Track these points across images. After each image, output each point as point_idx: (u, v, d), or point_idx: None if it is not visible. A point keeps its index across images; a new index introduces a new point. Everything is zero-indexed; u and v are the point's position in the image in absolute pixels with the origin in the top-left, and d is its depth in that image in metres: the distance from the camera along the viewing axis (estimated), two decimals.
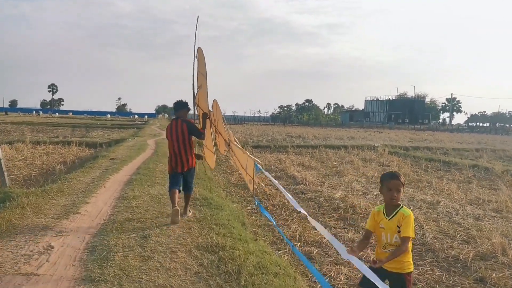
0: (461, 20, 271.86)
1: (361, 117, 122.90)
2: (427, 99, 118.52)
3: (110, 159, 11.71)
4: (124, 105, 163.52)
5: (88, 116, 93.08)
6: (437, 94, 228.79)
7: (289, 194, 6.05)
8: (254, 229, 6.45)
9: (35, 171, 11.87)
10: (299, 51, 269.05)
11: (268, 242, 5.82)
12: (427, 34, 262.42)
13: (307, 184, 11.01)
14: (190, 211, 6.39)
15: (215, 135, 7.37)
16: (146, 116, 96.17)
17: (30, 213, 5.75)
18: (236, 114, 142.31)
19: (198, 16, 6.79)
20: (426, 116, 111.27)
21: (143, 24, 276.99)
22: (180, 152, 6.22)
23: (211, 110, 7.01)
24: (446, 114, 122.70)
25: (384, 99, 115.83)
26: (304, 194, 9.88)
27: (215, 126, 7.14)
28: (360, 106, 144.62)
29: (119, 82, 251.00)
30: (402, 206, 3.52)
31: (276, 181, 7.24)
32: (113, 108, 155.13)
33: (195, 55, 6.70)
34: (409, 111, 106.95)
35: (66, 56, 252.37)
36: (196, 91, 6.71)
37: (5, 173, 7.76)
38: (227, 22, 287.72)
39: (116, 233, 5.01)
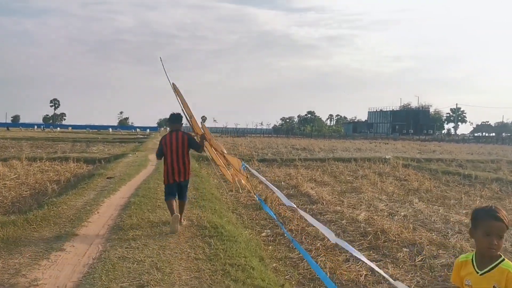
0: (464, 29, 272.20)
1: (364, 128, 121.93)
2: (431, 110, 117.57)
3: (107, 178, 10.67)
4: (126, 119, 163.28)
5: (91, 130, 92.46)
6: (441, 104, 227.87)
7: (275, 188, 5.87)
8: (274, 264, 5.40)
9: (26, 191, 10.84)
10: (299, 63, 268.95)
11: (294, 283, 4.76)
12: (427, 45, 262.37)
13: (324, 203, 9.95)
14: (184, 220, 6.56)
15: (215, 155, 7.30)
16: (148, 130, 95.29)
17: (2, 251, 4.72)
18: (238, 126, 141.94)
19: (160, 57, 7.19)
20: (431, 126, 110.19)
21: (144, 38, 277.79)
22: (179, 163, 6.38)
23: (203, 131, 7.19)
24: (451, 124, 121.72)
25: (387, 110, 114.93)
26: (323, 215, 8.82)
27: (213, 147, 7.09)
28: (363, 117, 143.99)
29: (121, 96, 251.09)
30: (504, 259, 2.47)
31: (264, 178, 6.94)
32: (115, 122, 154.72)
33: (174, 92, 6.97)
34: (414, 122, 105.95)
35: (68, 71, 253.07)
36: (189, 120, 6.98)
37: None
38: (227, 36, 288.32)
39: (106, 280, 3.96)
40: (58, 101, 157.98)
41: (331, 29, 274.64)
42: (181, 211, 6.47)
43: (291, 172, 16.73)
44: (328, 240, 6.74)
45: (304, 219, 8.01)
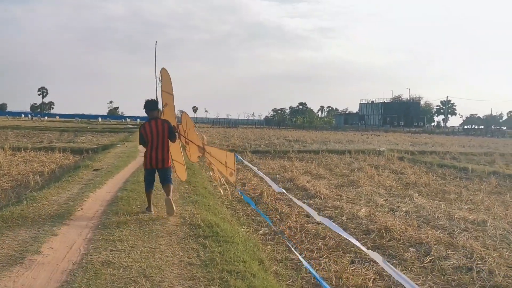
0: (454, 23, 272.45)
1: (356, 120, 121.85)
2: (422, 102, 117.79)
3: (93, 170, 10.07)
4: (116, 108, 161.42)
5: (80, 119, 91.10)
6: (431, 97, 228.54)
7: (265, 176, 6.18)
8: (275, 267, 4.94)
9: (7, 183, 10.26)
10: (292, 54, 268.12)
11: None
12: (419, 37, 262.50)
13: (322, 198, 9.52)
14: (174, 206, 6.33)
15: (184, 146, 7.54)
16: (138, 120, 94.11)
17: None
18: (230, 117, 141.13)
19: (156, 41, 7.46)
20: (421, 119, 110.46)
21: (135, 27, 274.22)
22: (158, 149, 6.40)
23: (180, 122, 7.49)
24: (441, 117, 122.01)
25: (379, 102, 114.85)
26: (322, 211, 8.38)
27: (184, 137, 7.35)
28: (354, 109, 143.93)
29: (111, 86, 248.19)
30: None
31: (255, 168, 7.26)
32: (105, 112, 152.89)
33: (158, 77, 7.16)
34: (404, 114, 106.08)
35: (58, 60, 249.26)
36: (161, 109, 7.12)
37: None
38: (219, 26, 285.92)
39: None
40: (46, 89, 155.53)
41: (323, 21, 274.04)
42: (167, 193, 6.44)
43: (286, 165, 16.29)
44: (331, 239, 6.34)
45: (304, 214, 7.63)
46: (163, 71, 7.25)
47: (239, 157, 9.04)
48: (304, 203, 8.99)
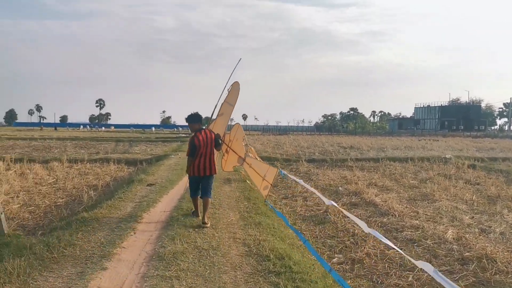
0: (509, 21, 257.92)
1: (410, 124, 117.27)
2: (483, 105, 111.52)
3: (147, 185, 9.56)
4: (169, 117, 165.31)
5: (134, 129, 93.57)
6: (491, 99, 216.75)
7: (313, 189, 6.41)
8: None
9: (61, 198, 9.97)
10: (341, 59, 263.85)
11: None
12: (473, 36, 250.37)
13: (397, 216, 8.44)
14: (208, 222, 6.40)
15: (222, 154, 8.06)
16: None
17: None
18: (279, 124, 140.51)
19: (240, 59, 8.11)
20: (482, 122, 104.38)
21: (185, 38, 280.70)
22: (206, 158, 6.66)
23: (229, 131, 8.08)
24: (503, 120, 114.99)
25: (435, 105, 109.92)
26: (400, 232, 7.33)
27: (227, 146, 7.86)
28: (408, 113, 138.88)
29: (163, 95, 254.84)
30: None
31: (301, 181, 7.36)
32: (158, 121, 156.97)
33: (228, 88, 7.74)
34: (464, 118, 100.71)
35: (113, 72, 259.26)
36: (215, 116, 7.67)
37: (2, 217, 5.75)
38: (267, 33, 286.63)
39: None
40: (103, 101, 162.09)
41: (372, 24, 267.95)
42: (205, 209, 6.55)
43: (346, 175, 15.23)
44: (423, 271, 5.31)
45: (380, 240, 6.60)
46: (236, 84, 7.82)
47: (284, 172, 9.06)
48: (376, 221, 8.01)
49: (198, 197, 6.74)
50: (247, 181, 10.68)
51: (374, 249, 6.21)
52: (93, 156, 21.47)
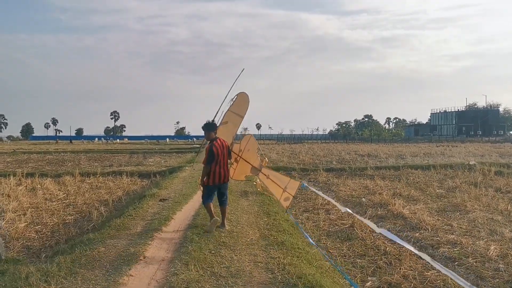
0: None
1: (427, 131, 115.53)
2: (501, 109, 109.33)
3: (160, 200, 9.02)
4: (183, 128, 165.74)
5: (149, 141, 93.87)
6: (509, 103, 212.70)
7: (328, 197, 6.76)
8: None
9: (70, 215, 9.51)
10: (353, 66, 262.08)
11: None
12: (488, 41, 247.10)
13: (429, 229, 7.76)
14: (227, 225, 6.92)
15: (231, 163, 7.82)
16: (204, 139, 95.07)
17: None
18: (294, 132, 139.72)
19: (243, 69, 8.10)
20: (500, 127, 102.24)
21: (197, 48, 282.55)
22: (222, 167, 6.88)
23: (238, 141, 8.03)
24: None
25: (452, 111, 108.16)
26: (436, 248, 6.66)
27: (236, 155, 7.87)
28: (423, 119, 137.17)
29: (178, 107, 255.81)
30: None
31: (320, 192, 8.11)
32: (172, 132, 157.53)
33: (232, 98, 7.82)
34: (482, 123, 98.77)
35: (127, 84, 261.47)
36: (218, 123, 7.57)
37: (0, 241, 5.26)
38: (279, 42, 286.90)
39: None
40: (118, 113, 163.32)
41: (385, 30, 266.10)
42: (223, 216, 6.97)
43: (368, 184, 14.54)
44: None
45: (418, 257, 5.95)
46: (243, 95, 7.93)
47: (305, 184, 8.91)
48: (408, 236, 7.34)
49: (211, 203, 6.85)
50: (265, 192, 10.15)
51: (412, 270, 5.56)
52: (106, 169, 21.13)
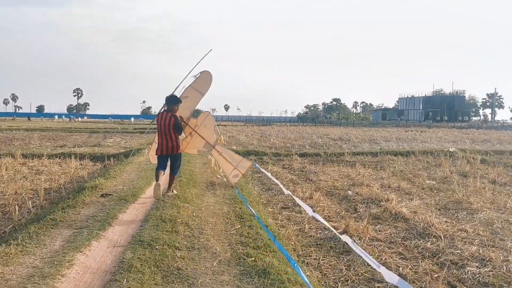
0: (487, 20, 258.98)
1: (394, 115, 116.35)
2: (466, 95, 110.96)
3: (101, 196, 7.04)
4: (149, 108, 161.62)
5: (113, 119, 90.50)
6: (473, 89, 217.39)
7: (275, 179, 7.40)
8: None
9: None
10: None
11: None
12: (456, 31, 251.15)
13: (441, 237, 6.21)
14: (173, 191, 7.46)
15: (185, 137, 8.28)
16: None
17: None
18: (262, 114, 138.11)
19: (210, 49, 8.33)
20: (466, 113, 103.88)
21: (166, 26, 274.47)
22: (164, 139, 7.37)
23: (195, 118, 8.44)
24: (487, 111, 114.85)
25: (419, 96, 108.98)
26: (461, 267, 5.08)
27: (192, 129, 8.24)
28: (390, 104, 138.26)
29: (144, 85, 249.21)
30: None
31: (269, 173, 8.39)
32: (138, 112, 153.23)
33: (196, 75, 8.15)
34: (448, 108, 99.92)
35: (93, 61, 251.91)
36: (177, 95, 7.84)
37: None
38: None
39: None
40: (81, 90, 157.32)
41: None
42: (170, 183, 7.51)
43: (349, 173, 13.03)
44: None
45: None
46: (206, 73, 8.14)
47: (257, 165, 9.90)
48: (418, 247, 5.77)
49: (162, 172, 7.28)
50: (217, 176, 9.71)
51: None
52: (57, 150, 18.84)
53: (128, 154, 15.57)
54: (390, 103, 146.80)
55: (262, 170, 9.08)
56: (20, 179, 10.91)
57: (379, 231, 6.58)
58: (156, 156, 7.48)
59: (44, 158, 15.40)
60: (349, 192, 9.77)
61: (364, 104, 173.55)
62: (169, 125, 7.21)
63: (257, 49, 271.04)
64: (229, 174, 8.21)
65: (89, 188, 7.42)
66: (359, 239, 5.99)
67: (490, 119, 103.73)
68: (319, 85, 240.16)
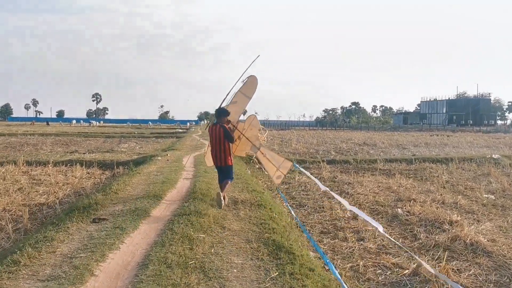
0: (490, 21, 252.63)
1: (416, 119, 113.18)
2: (491, 98, 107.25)
3: (93, 221, 5.31)
4: (167, 112, 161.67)
5: (131, 124, 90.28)
6: (499, 93, 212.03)
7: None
8: None
9: None
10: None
11: None
12: (476, 33, 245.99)
13: None
14: (225, 198, 7.17)
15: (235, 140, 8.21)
16: (188, 123, 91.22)
17: None
18: (280, 118, 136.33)
19: (258, 55, 8.45)
20: (491, 117, 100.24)
21: (185, 32, 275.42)
22: (216, 151, 7.40)
23: (241, 120, 8.90)
24: None
25: (442, 99, 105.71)
26: None
27: (240, 133, 8.35)
28: (410, 107, 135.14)
29: (162, 90, 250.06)
30: None
31: (309, 173, 8.74)
32: (156, 116, 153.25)
33: (244, 80, 8.24)
34: (473, 112, 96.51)
35: (112, 67, 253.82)
36: (227, 103, 8.11)
37: None
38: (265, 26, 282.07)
39: None
40: (100, 95, 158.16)
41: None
42: (222, 189, 7.27)
43: (389, 184, 11.32)
44: None
45: None
46: (253, 78, 8.32)
47: (297, 165, 9.89)
48: None
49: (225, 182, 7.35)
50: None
51: None
52: (66, 156, 17.59)
53: (140, 161, 14.15)
54: (411, 107, 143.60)
55: (302, 170, 9.10)
56: (15, 192, 9.54)
57: (457, 270, 4.92)
58: (214, 166, 7.73)
59: (49, 165, 14.05)
60: (399, 210, 8.09)
61: (383, 107, 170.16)
62: (219, 136, 7.33)
63: (273, 50, 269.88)
64: (272, 175, 8.30)
65: (80, 208, 5.88)
66: (432, 280, 4.34)
67: None
68: (338, 88, 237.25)
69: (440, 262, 5.04)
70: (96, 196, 6.86)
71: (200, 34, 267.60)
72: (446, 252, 5.47)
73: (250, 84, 8.29)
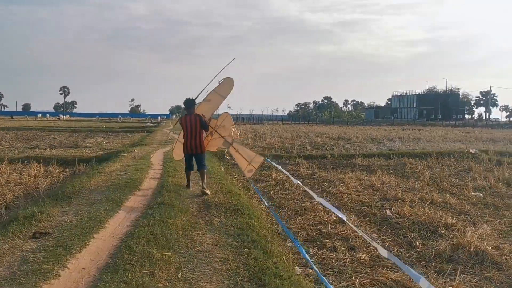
0: (477, 13, 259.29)
1: (387, 113, 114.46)
2: (460, 93, 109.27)
3: (33, 236, 4.30)
4: (138, 106, 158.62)
5: (100, 118, 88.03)
6: (466, 88, 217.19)
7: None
8: None
9: None
10: (313, 49, 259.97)
11: None
12: (442, 29, 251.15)
13: None
14: (207, 191, 7.55)
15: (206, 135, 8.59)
16: (159, 117, 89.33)
17: None
18: (253, 112, 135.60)
19: (234, 58, 9.10)
20: (460, 111, 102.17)
21: (157, 25, 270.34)
22: (192, 139, 7.77)
23: (216, 118, 9.05)
24: (481, 109, 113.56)
25: (412, 94, 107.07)
26: None
27: (212, 129, 8.64)
28: (381, 102, 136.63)
29: (134, 84, 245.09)
30: None
31: (279, 166, 8.40)
32: (126, 110, 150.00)
33: (219, 81, 8.66)
34: (442, 106, 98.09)
35: (82, 60, 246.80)
36: (200, 101, 8.55)
37: None
38: (241, 22, 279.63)
39: None
40: (68, 88, 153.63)
41: (344, 14, 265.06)
42: (202, 179, 7.80)
43: (372, 181, 10.67)
44: None
45: None
46: (229, 80, 8.75)
47: (269, 159, 9.61)
48: None
49: (191, 172, 7.96)
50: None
51: None
52: (25, 152, 16.33)
53: (104, 158, 13.06)
54: (381, 101, 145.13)
55: (274, 164, 9.13)
56: None
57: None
58: (184, 154, 7.97)
59: (4, 163, 12.79)
60: (388, 212, 7.40)
61: (355, 102, 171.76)
62: (195, 124, 7.69)
63: (249, 46, 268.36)
64: (244, 169, 8.59)
65: (20, 220, 4.87)
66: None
67: (484, 118, 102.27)
68: (309, 83, 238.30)
69: (447, 277, 4.34)
70: (45, 201, 5.85)
71: (172, 27, 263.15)
72: (451, 265, 4.77)
73: (226, 85, 8.71)
